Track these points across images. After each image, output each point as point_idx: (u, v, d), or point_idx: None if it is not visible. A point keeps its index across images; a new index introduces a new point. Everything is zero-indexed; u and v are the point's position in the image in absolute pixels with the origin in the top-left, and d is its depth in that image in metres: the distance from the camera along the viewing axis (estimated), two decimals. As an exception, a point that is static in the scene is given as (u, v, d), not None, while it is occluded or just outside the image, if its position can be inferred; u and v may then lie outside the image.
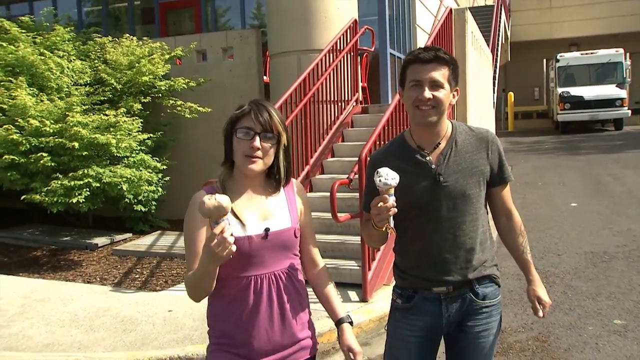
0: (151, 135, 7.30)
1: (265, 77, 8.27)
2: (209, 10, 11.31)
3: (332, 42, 7.17)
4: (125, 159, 6.93)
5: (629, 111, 20.40)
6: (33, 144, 6.40)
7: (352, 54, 7.74)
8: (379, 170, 1.94)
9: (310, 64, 6.88)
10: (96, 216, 7.95)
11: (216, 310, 1.97)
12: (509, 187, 2.28)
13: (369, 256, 5.13)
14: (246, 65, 8.25)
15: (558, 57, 21.96)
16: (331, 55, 7.23)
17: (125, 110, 7.07)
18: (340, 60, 7.37)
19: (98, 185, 6.37)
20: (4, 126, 6.40)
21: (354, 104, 7.88)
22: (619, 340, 4.21)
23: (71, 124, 6.31)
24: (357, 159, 5.22)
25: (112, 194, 6.64)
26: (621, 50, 21.37)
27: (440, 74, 2.07)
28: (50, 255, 6.81)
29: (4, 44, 7.19)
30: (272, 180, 2.03)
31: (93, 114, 6.75)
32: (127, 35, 8.06)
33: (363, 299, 5.01)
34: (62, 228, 7.77)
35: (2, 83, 6.86)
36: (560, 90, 20.93)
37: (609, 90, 20.19)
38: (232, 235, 1.69)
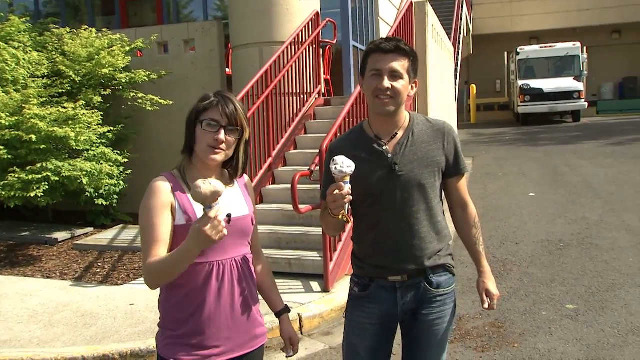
0: (112, 128, 7.20)
1: (227, 70, 8.24)
2: (170, 2, 11.16)
3: (293, 34, 7.19)
4: (85, 152, 6.82)
5: (586, 103, 20.98)
6: (-13, 137, 6.26)
7: (314, 46, 7.77)
8: (335, 158, 1.97)
9: (272, 56, 6.89)
10: (56, 211, 7.81)
11: (175, 299, 1.93)
12: (465, 178, 2.33)
13: (331, 247, 5.19)
14: (208, 57, 8.20)
15: (518, 50, 22.40)
16: (293, 47, 7.24)
17: (84, 103, 6.96)
18: (302, 53, 7.39)
19: (57, 179, 6.26)
20: (-42, 119, 6.24)
21: (317, 96, 7.92)
22: (571, 324, 4.37)
23: (28, 117, 6.19)
24: (319, 150, 5.26)
25: (72, 187, 6.54)
26: (578, 44, 21.93)
27: (400, 65, 2.11)
28: (8, 250, 6.67)
29: (-44, 35, 7.00)
30: (228, 171, 2.06)
31: (51, 107, 6.62)
32: (86, 26, 7.91)
33: (325, 289, 5.07)
34: (20, 223, 7.62)
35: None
36: (520, 82, 21.37)
37: (567, 83, 20.71)
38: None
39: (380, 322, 2.24)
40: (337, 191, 1.95)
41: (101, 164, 6.68)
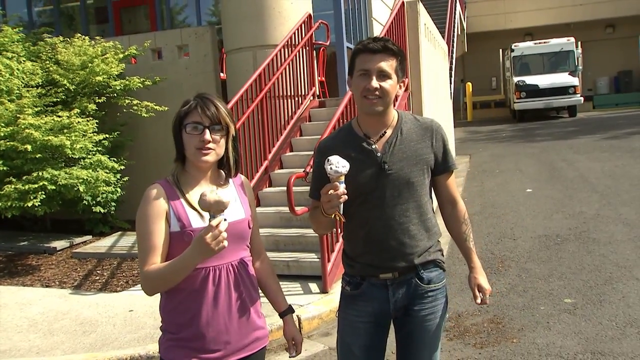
0: (107, 135, 7.21)
1: (222, 74, 8.25)
2: (163, 8, 11.18)
3: (286, 37, 7.20)
4: (82, 160, 6.83)
5: (582, 98, 21.01)
6: (-17, 149, 6.27)
7: (307, 48, 7.78)
8: (330, 158, 1.97)
9: (266, 60, 6.90)
10: (54, 220, 7.82)
11: (173, 304, 1.96)
12: (453, 176, 2.34)
13: (328, 248, 5.21)
14: (202, 62, 8.21)
15: (513, 46, 22.43)
16: (287, 50, 7.26)
17: (79, 111, 6.96)
18: (295, 55, 7.41)
19: (54, 188, 6.27)
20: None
21: (311, 98, 7.93)
22: (569, 318, 4.39)
23: (23, 127, 6.20)
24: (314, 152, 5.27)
25: (68, 196, 6.55)
26: (572, 39, 21.96)
27: (388, 65, 2.12)
28: (7, 260, 6.68)
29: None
30: (222, 172, 2.07)
31: (46, 116, 6.63)
32: (79, 35, 7.93)
33: (323, 290, 5.08)
34: (19, 233, 7.62)
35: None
36: (516, 79, 21.40)
37: (562, 78, 20.74)
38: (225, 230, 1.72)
39: (373, 320, 2.25)
40: (331, 191, 1.96)
41: (97, 171, 6.68)
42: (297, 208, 5.14)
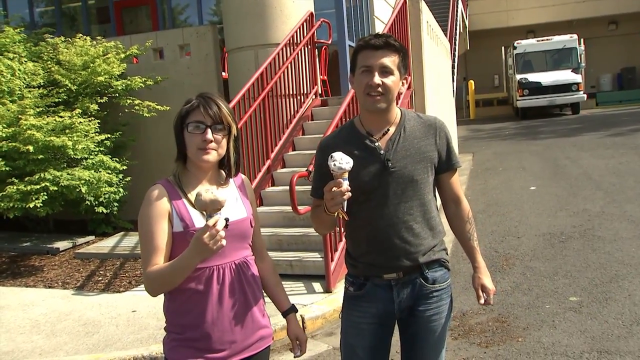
0: (109, 135, 7.19)
1: (223, 73, 8.23)
2: (165, 8, 11.17)
3: (288, 35, 7.18)
4: (84, 160, 6.82)
5: (585, 95, 20.95)
6: (-15, 150, 6.26)
7: (309, 47, 7.76)
8: (333, 154, 1.94)
9: (268, 59, 6.87)
10: (57, 220, 7.81)
11: (177, 304, 1.95)
12: (457, 174, 2.31)
13: (331, 247, 5.18)
14: (204, 61, 8.19)
15: (515, 44, 22.38)
16: (288, 49, 7.23)
17: (81, 111, 6.95)
18: (297, 54, 7.38)
19: (56, 188, 6.25)
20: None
21: (314, 97, 7.91)
22: (574, 316, 4.35)
23: (25, 127, 6.19)
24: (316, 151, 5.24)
25: (71, 196, 6.53)
26: (575, 36, 21.89)
27: (390, 61, 2.09)
28: (10, 261, 6.67)
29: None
30: (223, 172, 2.06)
31: (48, 116, 6.62)
32: (81, 35, 7.91)
33: (327, 290, 5.05)
34: (21, 234, 7.61)
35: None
36: (518, 76, 21.34)
37: (565, 76, 20.67)
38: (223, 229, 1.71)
39: (377, 321, 2.22)
40: (335, 188, 1.93)
41: (100, 171, 6.67)
42: (300, 207, 5.12)
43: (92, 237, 7.42)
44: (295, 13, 7.46)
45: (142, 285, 5.55)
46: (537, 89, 20.56)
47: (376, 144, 2.17)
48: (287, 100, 7.25)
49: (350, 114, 6.02)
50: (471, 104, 24.55)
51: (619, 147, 12.06)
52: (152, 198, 1.93)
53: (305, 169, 5.41)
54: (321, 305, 4.75)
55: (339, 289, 5.11)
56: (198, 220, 1.90)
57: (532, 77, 20.91)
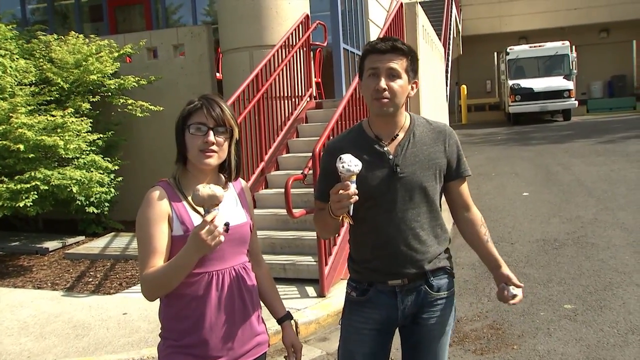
0: (101, 135, 7.12)
1: (217, 74, 8.17)
2: (159, 8, 11.10)
3: (284, 37, 7.14)
4: (75, 160, 6.73)
5: (576, 102, 21.07)
6: (-26, 147, 6.16)
7: (304, 49, 7.72)
8: (342, 156, 1.90)
9: (263, 60, 6.83)
10: (47, 220, 7.72)
11: (175, 310, 1.91)
12: (467, 182, 2.26)
13: (326, 251, 5.13)
14: (198, 62, 8.14)
15: (508, 50, 22.48)
16: (284, 50, 7.19)
17: (73, 110, 6.86)
18: (292, 56, 7.35)
19: (46, 188, 6.17)
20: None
21: (308, 99, 7.87)
22: (570, 324, 4.33)
23: (15, 126, 6.09)
24: (312, 154, 5.21)
25: (61, 196, 6.45)
26: (567, 43, 22.04)
27: (398, 64, 2.05)
28: (-2, 261, 6.58)
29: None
30: (223, 175, 2.02)
31: (39, 115, 6.53)
32: (73, 33, 7.82)
33: (321, 294, 5.01)
34: (10, 233, 7.52)
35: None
36: (510, 82, 21.43)
37: (557, 82, 20.79)
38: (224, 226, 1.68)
39: (379, 328, 2.18)
40: (342, 191, 1.88)
41: (91, 171, 6.59)
42: (294, 210, 5.08)
43: (82, 238, 7.34)
44: (291, 15, 7.42)
45: (133, 287, 5.51)
46: (529, 94, 20.66)
47: (385, 148, 2.12)
48: (282, 102, 7.21)
49: (346, 117, 5.99)
50: (463, 109, 24.63)
51: (610, 155, 12.11)
52: (152, 200, 1.87)
53: (301, 172, 5.37)
54: (315, 310, 4.71)
55: (333, 293, 5.07)
56: (198, 223, 1.86)
57: (525, 83, 21.02)
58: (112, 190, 7.02)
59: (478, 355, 3.95)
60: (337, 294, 5.00)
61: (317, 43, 8.32)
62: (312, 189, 5.33)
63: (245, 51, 7.33)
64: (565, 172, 10.60)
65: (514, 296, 2.15)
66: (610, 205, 7.90)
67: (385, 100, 2.06)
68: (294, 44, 7.39)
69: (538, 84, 20.76)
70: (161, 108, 7.50)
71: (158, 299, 1.92)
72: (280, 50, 7.09)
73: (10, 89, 6.83)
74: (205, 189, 1.66)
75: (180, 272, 1.78)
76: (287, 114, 7.31)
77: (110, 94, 7.56)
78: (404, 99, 2.10)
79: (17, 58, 7.27)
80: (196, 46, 8.14)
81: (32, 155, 6.25)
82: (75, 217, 7.38)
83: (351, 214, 1.96)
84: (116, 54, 7.68)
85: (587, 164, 11.20)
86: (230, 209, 1.97)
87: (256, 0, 7.21)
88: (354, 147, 2.10)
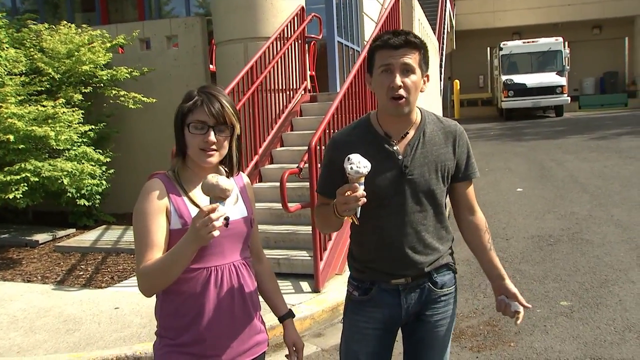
0: (93, 127, 7.02)
1: (211, 66, 8.08)
2: (152, -2, 10.97)
3: (279, 29, 7.05)
4: (66, 151, 6.63)
5: (569, 98, 21.13)
6: (-37, 137, 6.05)
7: (299, 41, 7.64)
8: (350, 156, 1.81)
9: (257, 52, 6.75)
10: (37, 212, 7.61)
11: (172, 307, 1.84)
12: (473, 184, 2.19)
13: (321, 246, 5.07)
14: (191, 53, 8.04)
15: (501, 45, 22.48)
16: (278, 43, 7.11)
17: (64, 101, 6.76)
18: (287, 48, 7.27)
19: (37, 179, 6.08)
20: None
21: (303, 92, 7.80)
22: (566, 321, 4.31)
23: (5, 116, 5.99)
24: (306, 147, 5.14)
25: (52, 188, 6.36)
26: (560, 39, 22.06)
27: (412, 59, 1.96)
28: (-13, 254, 6.48)
29: None
30: (223, 169, 1.96)
31: (30, 105, 6.43)
32: (65, 22, 7.70)
33: (315, 290, 4.95)
34: (-1, 225, 7.42)
35: None
36: (504, 78, 21.44)
37: (549, 78, 20.83)
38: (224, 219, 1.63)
39: (382, 327, 2.13)
40: (349, 192, 1.81)
41: (82, 163, 6.50)
42: (290, 204, 5.02)
43: (72, 230, 7.24)
44: (286, 6, 7.34)
45: (125, 281, 5.44)
46: (522, 90, 20.68)
47: (394, 147, 2.04)
48: (276, 95, 7.13)
49: (341, 111, 5.92)
50: (456, 104, 24.62)
51: (603, 151, 12.14)
52: (150, 192, 1.80)
53: (297, 165, 5.31)
54: (309, 305, 4.65)
55: (328, 288, 5.02)
56: None
57: (518, 78, 21.04)
58: (104, 182, 6.92)
59: (475, 353, 3.92)
60: (332, 290, 4.96)
61: (312, 36, 8.24)
62: (307, 183, 5.29)
63: (240, 43, 7.24)
64: (559, 168, 10.61)
65: (517, 313, 2.11)
66: (604, 202, 7.90)
67: (402, 100, 1.96)
68: (289, 36, 7.31)
69: (531, 79, 20.79)
70: (154, 100, 7.40)
71: (154, 295, 1.86)
72: (275, 43, 7.00)
73: (0, 79, 6.71)
74: (214, 178, 1.62)
75: (178, 265, 1.71)
76: (281, 107, 7.24)
77: (102, 85, 7.46)
78: (418, 95, 2.02)
79: (6, 47, 7.13)
80: (190, 37, 8.04)
81: (22, 146, 6.15)
82: (66, 210, 7.29)
83: (358, 215, 1.88)
84: (108, 45, 7.56)
85: (580, 160, 11.21)
86: (231, 203, 1.92)
87: (251, -9, 7.13)
88: (361, 144, 2.02)
